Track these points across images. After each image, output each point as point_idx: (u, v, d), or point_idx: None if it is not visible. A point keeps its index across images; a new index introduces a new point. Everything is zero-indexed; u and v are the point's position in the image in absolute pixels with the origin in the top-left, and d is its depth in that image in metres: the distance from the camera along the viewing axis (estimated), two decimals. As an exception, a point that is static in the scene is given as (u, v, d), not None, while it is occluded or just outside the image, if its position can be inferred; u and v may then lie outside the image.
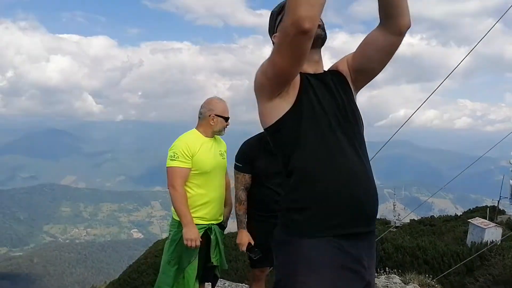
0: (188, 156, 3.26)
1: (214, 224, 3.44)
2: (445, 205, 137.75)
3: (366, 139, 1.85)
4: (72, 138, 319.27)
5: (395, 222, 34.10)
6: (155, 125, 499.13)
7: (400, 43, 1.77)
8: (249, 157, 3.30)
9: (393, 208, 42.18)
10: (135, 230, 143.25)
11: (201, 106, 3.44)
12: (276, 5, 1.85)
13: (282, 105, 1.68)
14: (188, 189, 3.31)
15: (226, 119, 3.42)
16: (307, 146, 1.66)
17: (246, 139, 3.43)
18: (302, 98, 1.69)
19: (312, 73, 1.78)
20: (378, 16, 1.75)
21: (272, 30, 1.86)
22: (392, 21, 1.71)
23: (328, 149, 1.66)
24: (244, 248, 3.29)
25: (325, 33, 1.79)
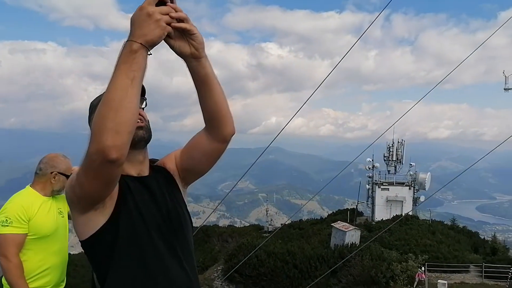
0: (24, 221, 2.88)
1: None
2: (313, 207, 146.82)
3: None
4: None
5: (267, 227, 35.48)
6: (15, 132, 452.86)
7: (226, 147, 1.76)
8: None
9: (266, 214, 43.93)
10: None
11: (41, 162, 3.11)
12: (96, 97, 1.64)
13: (98, 218, 1.51)
14: (24, 257, 2.92)
15: (68, 177, 3.14)
16: (123, 265, 1.52)
17: None
18: (120, 209, 1.52)
19: (136, 175, 1.64)
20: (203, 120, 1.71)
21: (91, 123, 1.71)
22: (216, 130, 1.69)
23: (148, 268, 1.54)
24: None
25: (150, 133, 1.68)
